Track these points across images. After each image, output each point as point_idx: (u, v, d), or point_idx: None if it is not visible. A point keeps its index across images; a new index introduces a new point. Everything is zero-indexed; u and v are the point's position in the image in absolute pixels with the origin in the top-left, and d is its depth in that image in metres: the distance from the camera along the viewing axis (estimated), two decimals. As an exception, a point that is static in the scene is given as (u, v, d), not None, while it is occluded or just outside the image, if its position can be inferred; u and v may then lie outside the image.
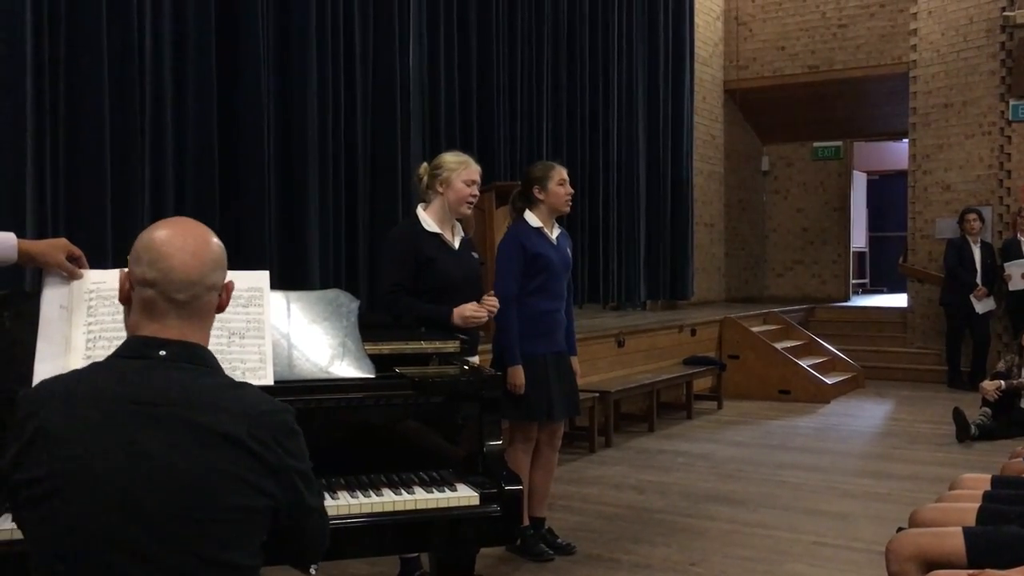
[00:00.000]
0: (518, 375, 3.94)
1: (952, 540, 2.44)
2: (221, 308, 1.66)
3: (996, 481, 3.01)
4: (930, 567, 2.43)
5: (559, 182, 4.07)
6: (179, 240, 1.58)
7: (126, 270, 1.61)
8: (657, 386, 7.28)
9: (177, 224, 1.63)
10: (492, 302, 3.66)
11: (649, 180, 10.00)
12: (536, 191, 4.08)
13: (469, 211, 3.72)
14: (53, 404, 1.49)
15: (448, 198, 3.62)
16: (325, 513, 1.72)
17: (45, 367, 2.10)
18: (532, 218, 4.09)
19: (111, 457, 1.45)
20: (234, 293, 2.28)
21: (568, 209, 4.17)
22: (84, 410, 1.48)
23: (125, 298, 1.62)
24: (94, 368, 1.57)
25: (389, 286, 3.58)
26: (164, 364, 1.53)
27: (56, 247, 2.23)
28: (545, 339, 4.05)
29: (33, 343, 2.15)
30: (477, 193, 3.69)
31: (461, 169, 3.63)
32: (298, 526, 1.61)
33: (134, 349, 1.55)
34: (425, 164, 3.75)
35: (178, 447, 1.46)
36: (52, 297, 2.20)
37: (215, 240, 1.64)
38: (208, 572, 1.47)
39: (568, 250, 4.20)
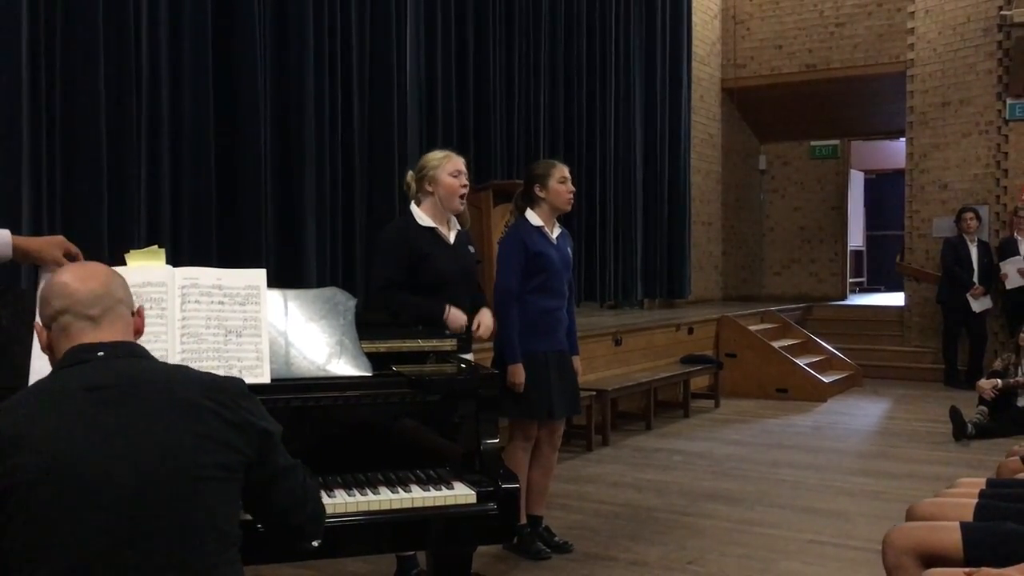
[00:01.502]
0: (518, 373, 3.94)
1: (949, 535, 2.44)
2: (139, 331, 1.74)
3: (991, 483, 3.01)
4: (927, 560, 2.43)
5: (560, 180, 4.07)
6: (78, 272, 1.69)
7: (39, 323, 1.70)
8: (654, 385, 7.29)
9: (78, 265, 1.76)
10: (485, 330, 3.70)
11: (646, 178, 10.00)
12: (537, 189, 4.08)
13: (462, 206, 3.70)
14: (10, 412, 1.51)
15: (439, 195, 3.62)
16: (309, 479, 1.77)
17: (42, 364, 2.09)
18: (533, 217, 4.09)
19: (77, 442, 1.47)
20: (231, 291, 2.31)
21: (569, 207, 4.16)
22: (37, 409, 1.51)
23: (46, 346, 1.69)
24: (37, 383, 1.63)
25: (382, 281, 3.58)
26: (104, 360, 1.60)
27: (53, 244, 2.23)
28: (546, 338, 4.04)
29: (30, 341, 2.15)
30: (466, 183, 3.68)
31: (445, 163, 3.62)
32: (270, 485, 1.66)
33: (72, 358, 1.61)
34: (411, 171, 3.75)
35: (142, 420, 1.52)
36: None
37: (114, 272, 1.75)
38: (195, 536, 1.50)
39: (569, 249, 4.20)
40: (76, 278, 1.67)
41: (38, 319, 1.70)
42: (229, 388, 1.63)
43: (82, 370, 1.57)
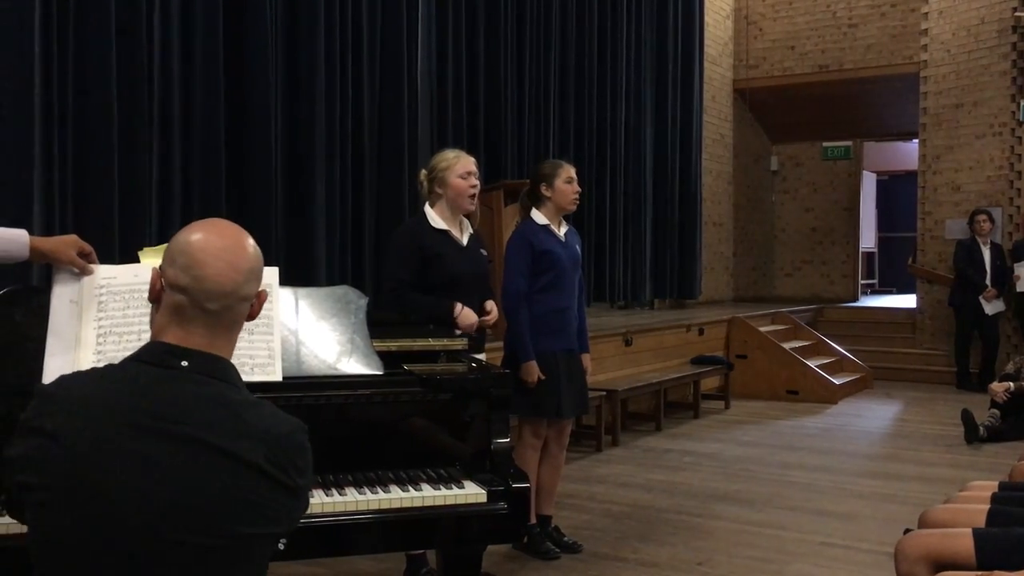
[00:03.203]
0: (532, 371, 3.94)
1: (962, 541, 2.43)
2: (252, 316, 1.62)
3: (1004, 487, 3.00)
4: (939, 568, 2.42)
5: (566, 180, 4.07)
6: (216, 246, 1.54)
7: (158, 267, 1.57)
8: (664, 385, 7.27)
9: (215, 228, 1.58)
10: (490, 317, 3.67)
11: (657, 179, 9.99)
12: (543, 188, 4.09)
13: (473, 206, 3.71)
14: (67, 408, 1.44)
15: (448, 196, 3.63)
16: None
17: (55, 362, 2.10)
18: (539, 216, 4.09)
19: (124, 473, 1.40)
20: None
21: (574, 208, 4.17)
22: (98, 420, 1.43)
23: (155, 297, 1.57)
24: (112, 372, 1.52)
25: (392, 282, 3.59)
26: (185, 376, 1.49)
27: (67, 243, 2.24)
28: (556, 336, 4.04)
29: (44, 338, 2.16)
30: (476, 183, 3.69)
31: (455, 165, 3.64)
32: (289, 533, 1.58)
33: (156, 355, 1.50)
34: (423, 170, 3.76)
35: (194, 470, 1.42)
36: (63, 293, 2.20)
37: (252, 246, 1.59)
38: None
39: (578, 247, 4.20)
40: (215, 257, 1.52)
41: (158, 267, 1.57)
42: (291, 448, 1.51)
43: (160, 384, 1.47)
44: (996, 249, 9.10)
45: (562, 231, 4.12)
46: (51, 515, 1.42)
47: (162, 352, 1.51)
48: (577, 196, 4.14)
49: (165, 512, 1.40)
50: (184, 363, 1.49)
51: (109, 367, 1.55)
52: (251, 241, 1.60)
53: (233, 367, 1.57)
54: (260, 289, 1.61)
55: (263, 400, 1.58)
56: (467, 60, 7.18)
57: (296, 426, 1.55)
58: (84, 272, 2.23)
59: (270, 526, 1.48)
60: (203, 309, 1.52)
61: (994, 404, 6.70)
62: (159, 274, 1.56)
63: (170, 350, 1.50)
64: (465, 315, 3.53)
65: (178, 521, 1.40)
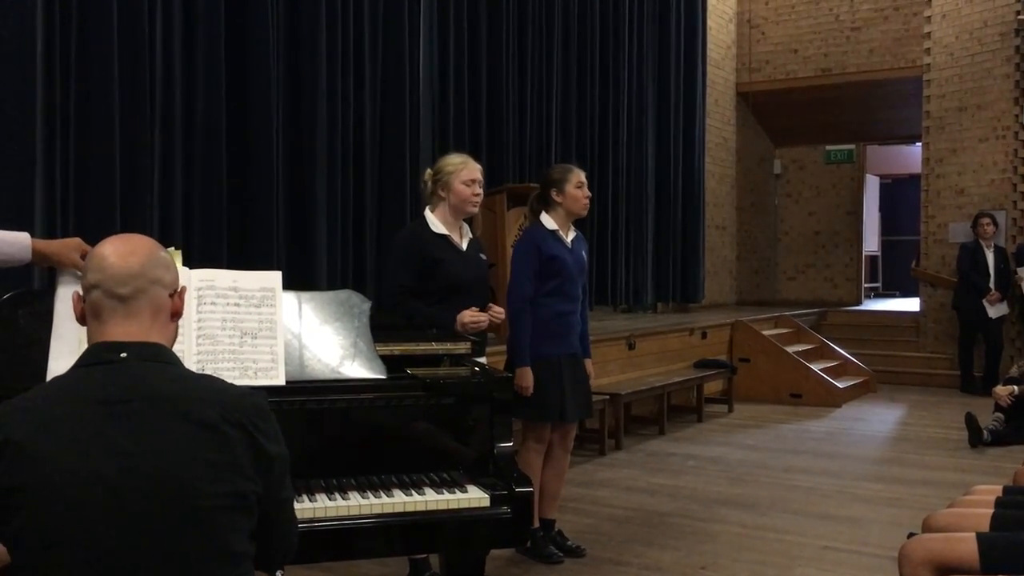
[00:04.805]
0: (526, 376, 3.94)
1: (965, 546, 2.43)
2: (177, 312, 1.67)
3: (1008, 491, 2.99)
4: (943, 572, 2.41)
5: (577, 185, 4.08)
6: (120, 245, 1.62)
7: (79, 292, 1.64)
8: (668, 389, 7.26)
9: (121, 236, 1.68)
10: (497, 311, 3.67)
11: (660, 183, 9.99)
12: (553, 194, 4.08)
13: (475, 209, 3.72)
14: (17, 416, 1.48)
15: (450, 201, 3.64)
16: (294, 512, 1.72)
17: (59, 365, 2.10)
18: (548, 221, 4.09)
19: (89, 459, 1.44)
20: (247, 292, 2.31)
21: (585, 213, 4.17)
22: (52, 418, 1.47)
23: (80, 316, 1.64)
24: (56, 380, 1.58)
25: (395, 287, 3.59)
26: (127, 364, 1.54)
27: (70, 246, 2.25)
28: (560, 341, 4.04)
29: (48, 342, 2.16)
30: (480, 191, 3.69)
31: (460, 170, 3.64)
32: (270, 515, 1.61)
33: (95, 356, 1.56)
34: (429, 170, 3.77)
35: (154, 440, 1.47)
36: (66, 296, 2.20)
37: (159, 245, 1.68)
38: (202, 562, 1.47)
39: (584, 253, 4.20)
40: (116, 252, 1.60)
41: (79, 288, 1.65)
42: (246, 408, 1.56)
43: (104, 375, 1.52)
44: (1000, 252, 9.08)
45: (569, 237, 4.13)
46: (32, 516, 1.43)
47: (100, 351, 1.56)
48: (588, 200, 4.14)
49: (140, 487, 1.44)
50: (123, 354, 1.55)
51: (54, 378, 1.61)
52: (160, 246, 1.68)
53: (171, 351, 1.62)
54: (181, 286, 1.68)
55: (209, 374, 1.67)
56: (469, 63, 7.19)
57: (248, 390, 1.61)
58: (87, 275, 2.23)
59: (244, 482, 1.51)
60: (117, 297, 1.58)
61: (998, 408, 6.68)
62: (78, 295, 1.63)
63: (107, 347, 1.56)
64: (459, 317, 3.51)
65: (155, 493, 1.44)
